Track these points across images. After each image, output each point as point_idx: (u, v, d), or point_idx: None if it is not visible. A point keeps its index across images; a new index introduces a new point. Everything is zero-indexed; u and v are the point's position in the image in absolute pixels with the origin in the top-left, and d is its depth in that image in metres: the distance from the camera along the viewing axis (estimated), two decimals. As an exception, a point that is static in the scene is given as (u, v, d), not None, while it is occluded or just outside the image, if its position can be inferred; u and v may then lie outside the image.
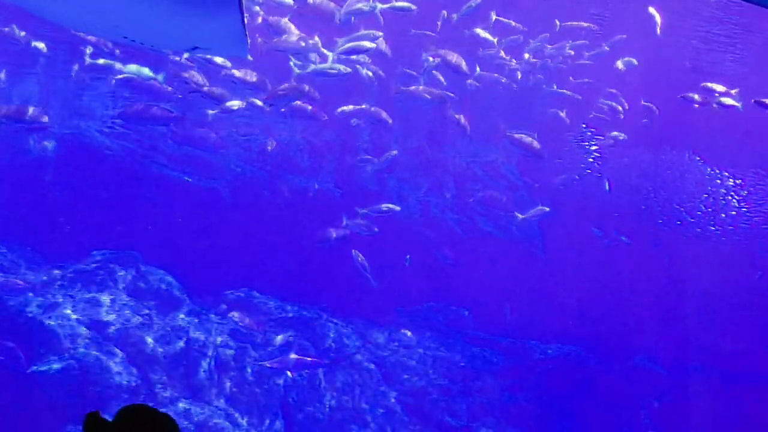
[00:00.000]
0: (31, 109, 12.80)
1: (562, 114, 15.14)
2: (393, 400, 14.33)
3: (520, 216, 15.44)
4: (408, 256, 14.64)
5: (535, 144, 14.31)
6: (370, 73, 13.54)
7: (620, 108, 15.01)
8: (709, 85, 14.45)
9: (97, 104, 14.50)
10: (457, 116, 14.30)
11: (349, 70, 12.96)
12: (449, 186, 15.65)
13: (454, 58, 13.75)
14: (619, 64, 14.76)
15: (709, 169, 16.97)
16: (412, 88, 13.99)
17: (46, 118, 12.79)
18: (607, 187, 15.99)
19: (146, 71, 13.01)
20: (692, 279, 16.66)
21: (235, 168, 15.29)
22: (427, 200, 15.90)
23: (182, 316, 13.69)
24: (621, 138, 15.39)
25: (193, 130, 14.54)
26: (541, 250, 16.72)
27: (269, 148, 14.47)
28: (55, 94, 14.86)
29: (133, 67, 13.08)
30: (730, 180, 16.91)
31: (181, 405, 12.63)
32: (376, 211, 14.38)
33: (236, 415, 12.98)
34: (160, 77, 13.05)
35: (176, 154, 15.05)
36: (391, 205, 14.57)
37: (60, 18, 6.95)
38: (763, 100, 14.02)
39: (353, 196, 15.35)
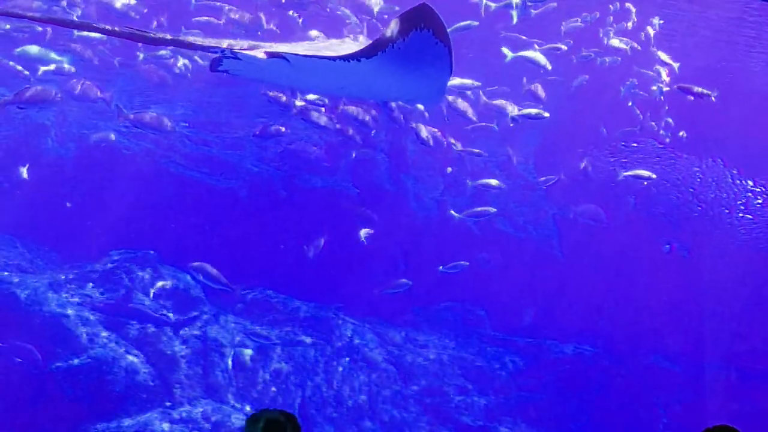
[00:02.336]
0: (165, 120, 13.14)
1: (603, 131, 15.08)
2: (410, 400, 14.32)
3: (623, 174, 14.98)
4: (441, 267, 14.59)
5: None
6: None
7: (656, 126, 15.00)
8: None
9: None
10: (510, 150, 14.35)
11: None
12: (466, 185, 15.58)
13: (537, 89, 13.83)
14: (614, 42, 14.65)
15: (726, 169, 16.90)
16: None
17: (169, 124, 12.99)
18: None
19: (52, 54, 12.89)
20: (710, 278, 16.59)
21: (252, 168, 15.29)
22: (444, 200, 15.86)
23: (199, 315, 13.72)
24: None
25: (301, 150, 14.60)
26: (558, 250, 16.66)
27: (282, 129, 14.29)
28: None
29: (34, 49, 12.90)
30: (749, 183, 16.87)
31: (199, 405, 12.65)
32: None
33: (254, 414, 12.97)
34: (65, 61, 12.90)
35: (194, 154, 15.07)
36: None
37: (308, 88, 7.73)
38: (687, 86, 14.01)
39: (370, 195, 15.34)
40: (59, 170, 14.72)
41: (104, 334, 12.57)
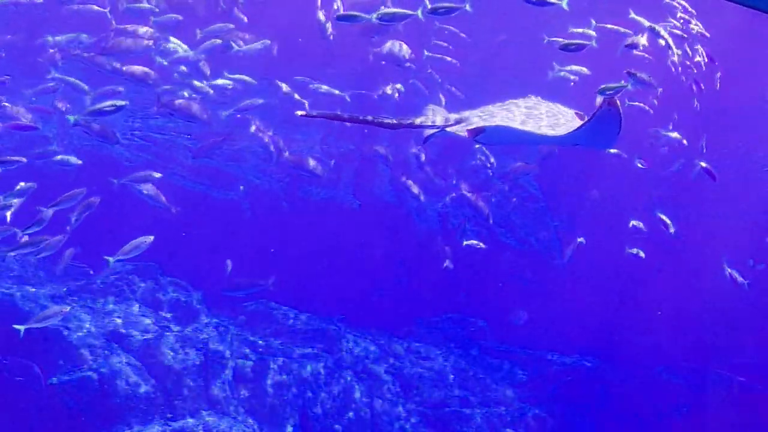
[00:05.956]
0: (311, 160, 13.54)
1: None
2: (411, 412, 14.29)
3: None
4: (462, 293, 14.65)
5: None
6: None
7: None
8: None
9: (118, 116, 14.51)
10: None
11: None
12: (468, 198, 15.55)
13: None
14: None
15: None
16: None
17: (320, 169, 13.42)
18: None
19: None
20: (714, 289, 16.55)
21: (254, 179, 15.29)
22: (446, 212, 15.86)
23: (201, 327, 13.72)
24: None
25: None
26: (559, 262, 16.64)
27: (286, 154, 14.35)
28: (73, 106, 14.90)
29: None
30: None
31: (200, 417, 12.63)
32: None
33: (255, 426, 12.98)
34: None
35: (195, 165, 15.08)
36: None
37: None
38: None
39: (372, 207, 15.34)
40: (60, 182, 14.70)
41: (105, 345, 12.56)
